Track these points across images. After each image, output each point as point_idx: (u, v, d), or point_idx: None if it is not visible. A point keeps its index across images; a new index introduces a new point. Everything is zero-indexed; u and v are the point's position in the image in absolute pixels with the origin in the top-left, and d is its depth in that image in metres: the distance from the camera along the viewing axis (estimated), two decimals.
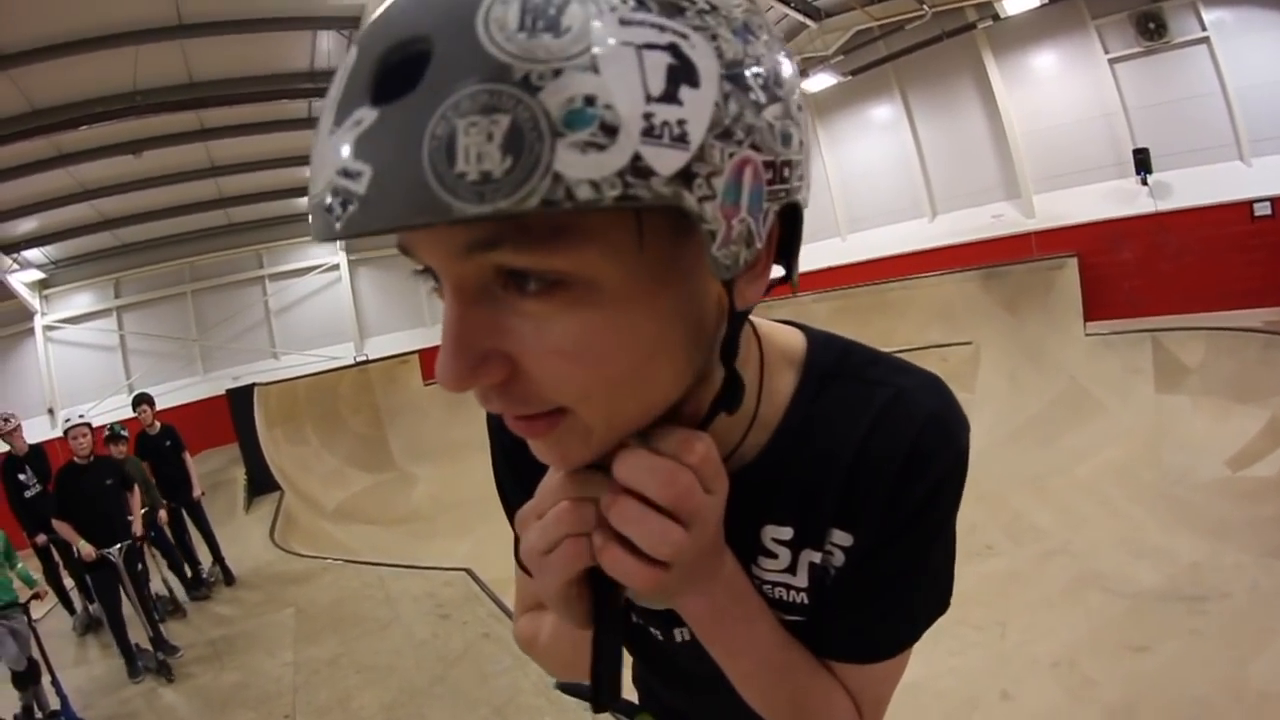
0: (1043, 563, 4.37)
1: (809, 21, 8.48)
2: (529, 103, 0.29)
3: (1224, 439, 4.96)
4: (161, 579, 5.28)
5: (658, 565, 0.42)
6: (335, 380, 9.14)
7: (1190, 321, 6.25)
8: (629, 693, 0.72)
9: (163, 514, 5.22)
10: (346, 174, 0.31)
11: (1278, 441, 4.66)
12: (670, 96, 0.31)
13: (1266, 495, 4.33)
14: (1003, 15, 7.73)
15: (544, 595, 0.47)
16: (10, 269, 9.52)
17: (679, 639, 0.62)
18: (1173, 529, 4.37)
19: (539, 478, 0.47)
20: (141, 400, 5.81)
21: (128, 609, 4.31)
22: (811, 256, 9.13)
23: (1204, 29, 6.95)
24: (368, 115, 0.31)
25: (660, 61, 0.31)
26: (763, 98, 0.36)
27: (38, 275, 10.11)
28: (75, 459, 4.37)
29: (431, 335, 10.93)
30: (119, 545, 4.24)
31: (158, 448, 5.58)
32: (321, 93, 6.15)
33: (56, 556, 5.25)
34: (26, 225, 9.19)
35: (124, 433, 5.11)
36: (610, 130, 0.29)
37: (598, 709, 0.48)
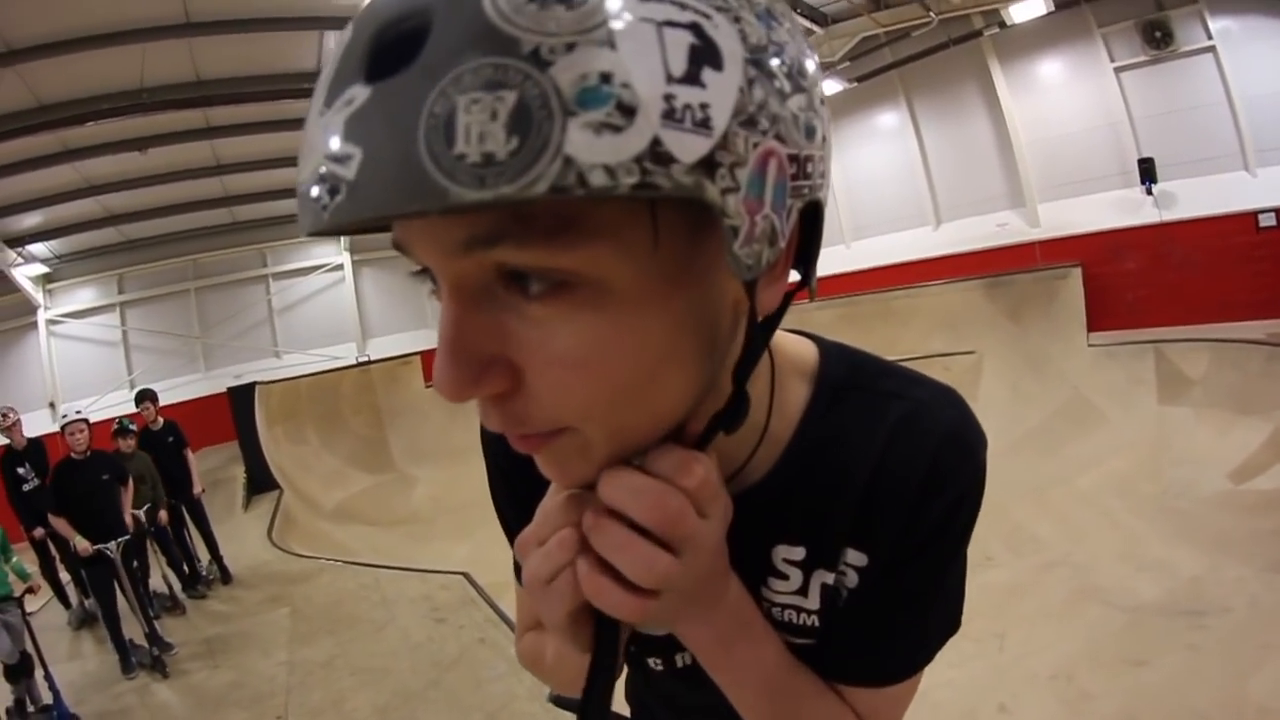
0: (1042, 574, 4.34)
1: (815, 28, 8.49)
2: (538, 78, 0.26)
3: (1226, 452, 4.93)
4: (162, 575, 5.28)
5: (645, 595, 0.39)
6: (337, 380, 9.14)
7: (1194, 333, 6.23)
8: (621, 706, 0.71)
9: (162, 514, 5.22)
10: (335, 158, 0.28)
11: None
12: (692, 78, 0.29)
13: (1268, 509, 4.30)
14: (1009, 23, 7.74)
15: (546, 623, 0.44)
16: (15, 263, 9.55)
17: (679, 664, 0.59)
18: (1173, 542, 4.34)
19: (538, 498, 0.44)
20: (145, 396, 5.83)
21: (123, 605, 4.31)
22: None
23: (1210, 38, 6.95)
24: (360, 94, 0.28)
25: (682, 40, 0.29)
26: (787, 86, 0.33)
27: (42, 269, 10.15)
28: (72, 454, 4.38)
29: (434, 337, 10.88)
30: (116, 541, 4.24)
31: (160, 444, 5.60)
32: None
33: (53, 551, 5.26)
34: (32, 220, 9.23)
35: (132, 426, 5.17)
36: (628, 111, 0.27)
37: None
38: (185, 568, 5.65)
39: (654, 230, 0.32)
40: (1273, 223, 6.64)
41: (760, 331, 0.39)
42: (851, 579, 0.52)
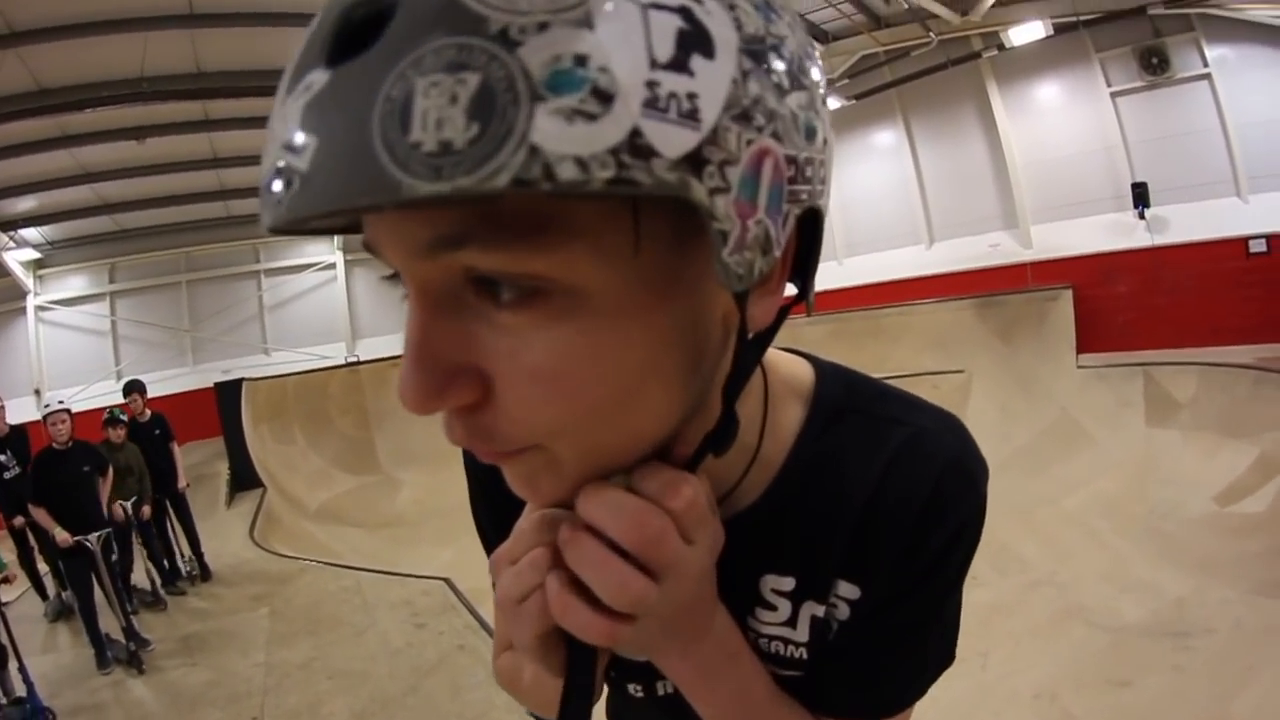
0: (1027, 594, 4.34)
1: (815, 44, 8.53)
2: (505, 59, 0.24)
3: (1213, 474, 4.96)
4: (145, 570, 5.22)
5: (617, 618, 0.36)
6: (325, 380, 9.07)
7: (1182, 356, 6.28)
8: None
9: (146, 509, 5.17)
10: (291, 149, 0.26)
11: (1266, 477, 4.66)
12: (680, 65, 0.26)
13: (1254, 531, 4.32)
14: (1008, 45, 7.82)
15: (516, 644, 0.42)
16: (6, 246, 9.48)
17: (661, 692, 0.56)
18: (1159, 563, 4.35)
19: (518, 514, 0.42)
20: (134, 388, 5.78)
21: (100, 599, 4.24)
22: None
23: (1206, 66, 7.06)
24: (319, 79, 0.26)
25: (669, 24, 0.26)
26: (786, 82, 0.31)
27: (33, 255, 10.09)
28: (54, 444, 4.33)
29: None
30: (97, 533, 4.19)
31: (147, 436, 5.54)
32: None
33: (32, 541, 5.18)
34: (26, 204, 9.17)
35: (123, 417, 5.15)
36: (604, 97, 0.24)
37: None
38: (165, 563, 5.58)
39: (636, 234, 0.30)
40: (1263, 249, 6.72)
41: (751, 348, 0.37)
42: (843, 611, 0.50)
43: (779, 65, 0.31)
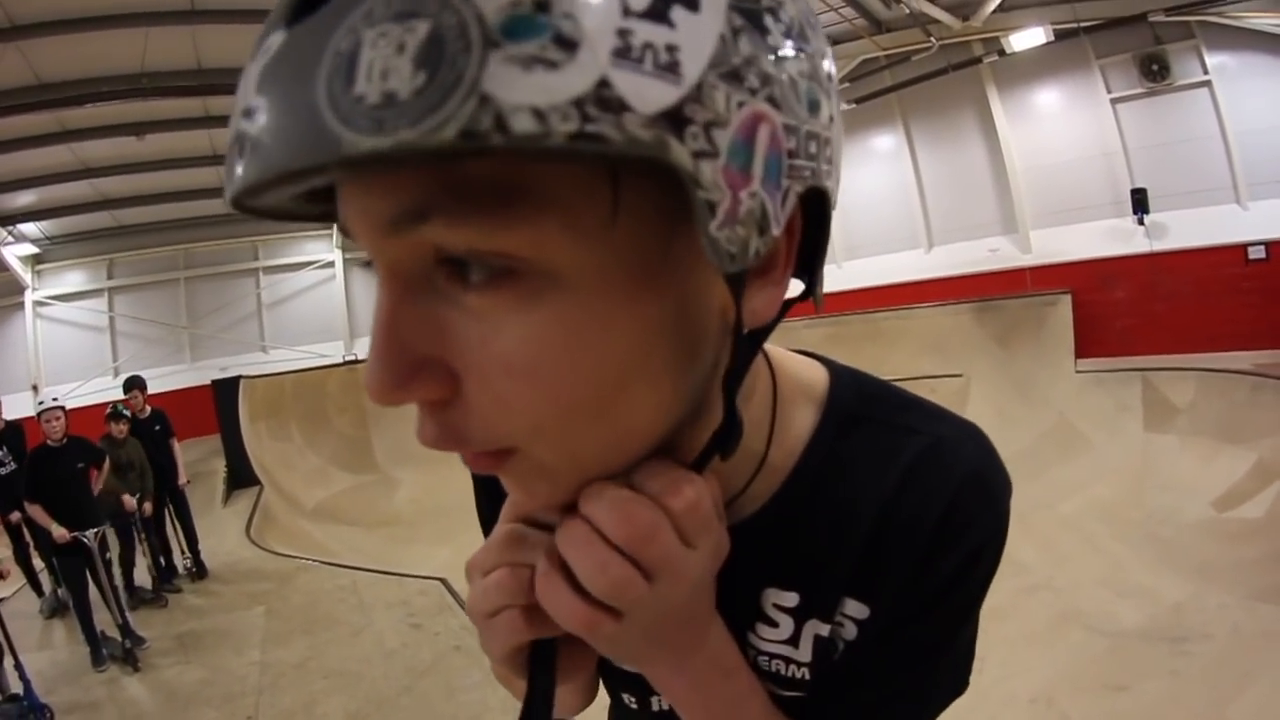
0: (1024, 598, 4.33)
1: None
2: (457, 5, 0.22)
3: (1211, 479, 4.97)
4: (147, 567, 5.21)
5: (598, 607, 0.34)
6: (323, 378, 9.05)
7: (1181, 362, 6.29)
8: None
9: (147, 506, 5.15)
10: (247, 113, 0.25)
11: (1264, 483, 4.67)
12: (658, 15, 0.24)
13: (1251, 537, 4.33)
14: (1009, 51, 7.83)
15: (490, 656, 0.42)
16: (4, 241, 9.46)
17: (655, 707, 0.53)
18: (1156, 568, 4.35)
19: None
20: (134, 384, 5.76)
21: (95, 595, 4.22)
22: None
23: (1206, 73, 7.07)
24: (276, 40, 0.25)
25: None
26: (785, 46, 0.28)
27: (31, 250, 10.08)
28: (49, 441, 4.30)
29: None
30: (94, 530, 4.17)
31: (147, 432, 5.53)
32: None
33: (28, 536, 5.16)
34: (24, 198, 9.15)
35: (126, 412, 5.15)
36: (567, 45, 0.22)
37: None
38: (162, 560, 5.56)
39: (615, 208, 0.27)
40: (1262, 255, 6.74)
41: (746, 341, 0.33)
42: (849, 631, 0.46)
43: (775, 27, 0.28)
